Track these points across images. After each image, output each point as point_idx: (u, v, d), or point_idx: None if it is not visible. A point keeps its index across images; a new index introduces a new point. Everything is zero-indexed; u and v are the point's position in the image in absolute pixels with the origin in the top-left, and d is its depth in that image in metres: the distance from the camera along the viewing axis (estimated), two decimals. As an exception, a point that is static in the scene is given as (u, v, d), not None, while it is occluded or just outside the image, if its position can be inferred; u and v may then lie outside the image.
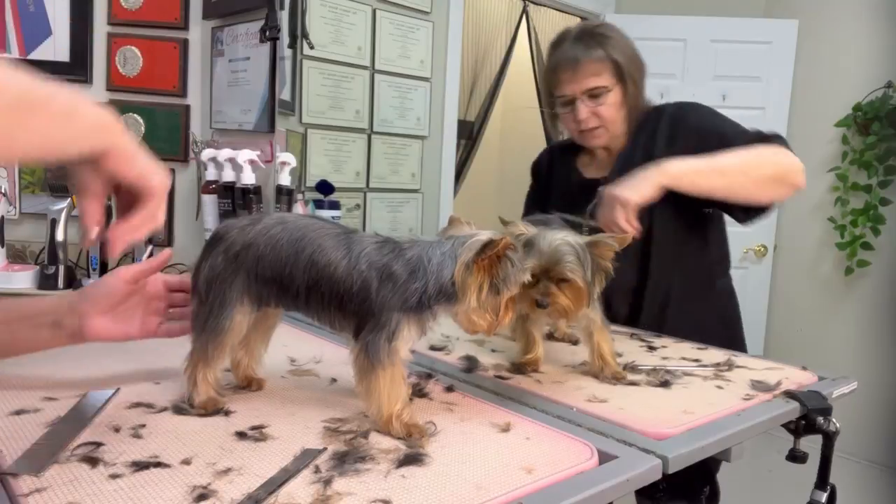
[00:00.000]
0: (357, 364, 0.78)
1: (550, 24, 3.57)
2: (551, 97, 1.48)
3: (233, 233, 0.82)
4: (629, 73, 1.42)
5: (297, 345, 1.13)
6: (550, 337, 1.24)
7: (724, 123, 1.39)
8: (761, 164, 1.29)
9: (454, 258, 0.76)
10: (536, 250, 0.93)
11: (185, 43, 2.12)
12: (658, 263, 1.40)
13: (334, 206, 1.98)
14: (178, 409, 0.82)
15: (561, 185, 1.59)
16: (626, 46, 1.44)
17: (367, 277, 0.76)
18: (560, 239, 0.94)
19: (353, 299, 0.77)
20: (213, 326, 0.81)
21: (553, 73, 1.46)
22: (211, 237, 0.84)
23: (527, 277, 0.82)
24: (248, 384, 0.91)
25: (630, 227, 1.17)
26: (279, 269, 0.79)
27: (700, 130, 1.37)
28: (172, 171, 2.14)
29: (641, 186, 1.20)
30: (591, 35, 1.42)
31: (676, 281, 1.42)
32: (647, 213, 1.24)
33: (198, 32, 2.13)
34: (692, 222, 1.43)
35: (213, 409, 0.82)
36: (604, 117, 1.43)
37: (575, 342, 1.22)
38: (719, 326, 1.46)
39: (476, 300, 0.76)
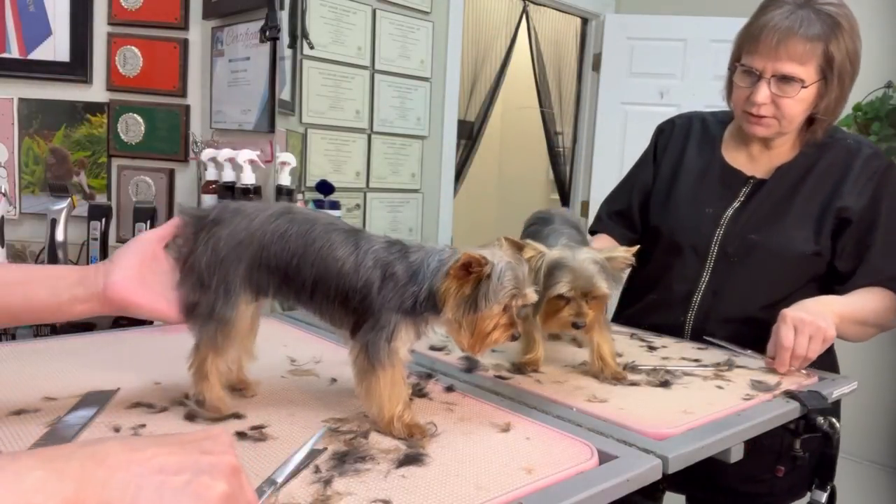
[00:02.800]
0: (357, 365, 0.78)
1: (550, 24, 3.57)
2: (737, 60, 1.27)
3: (237, 219, 0.79)
4: (839, 75, 1.20)
5: (297, 345, 1.13)
6: (551, 337, 1.24)
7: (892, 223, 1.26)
8: (887, 321, 1.26)
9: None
10: (569, 272, 0.93)
11: (185, 43, 2.12)
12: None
13: (334, 206, 1.98)
14: (190, 416, 0.79)
15: (696, 163, 1.40)
16: (851, 41, 1.20)
17: (372, 275, 0.76)
18: (587, 257, 0.95)
19: (356, 295, 0.77)
20: (221, 314, 0.77)
21: (752, 37, 1.23)
22: (212, 217, 0.79)
23: (533, 299, 0.80)
24: (242, 388, 0.88)
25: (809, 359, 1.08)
26: (286, 260, 0.78)
27: (882, 220, 1.25)
28: (172, 171, 2.15)
29: (828, 323, 1.08)
30: (817, 10, 1.18)
31: None
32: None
33: (198, 32, 2.13)
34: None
35: (224, 416, 0.79)
36: (784, 111, 1.22)
37: (580, 344, 1.21)
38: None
39: (451, 312, 0.75)
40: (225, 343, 0.78)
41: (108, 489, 0.41)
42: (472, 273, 0.74)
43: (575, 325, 0.94)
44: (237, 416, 0.80)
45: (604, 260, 0.95)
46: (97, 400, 0.83)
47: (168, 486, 0.42)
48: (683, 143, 1.44)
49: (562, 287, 0.93)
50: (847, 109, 3.09)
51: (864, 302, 1.22)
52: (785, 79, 1.19)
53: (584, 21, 3.58)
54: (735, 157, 1.37)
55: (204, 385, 0.79)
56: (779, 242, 1.26)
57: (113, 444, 0.44)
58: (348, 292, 0.77)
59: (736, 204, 1.32)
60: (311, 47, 2.12)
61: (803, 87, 1.19)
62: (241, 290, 0.78)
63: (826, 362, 1.24)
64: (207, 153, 1.94)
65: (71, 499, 0.39)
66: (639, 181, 1.48)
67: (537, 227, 1.10)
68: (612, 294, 1.01)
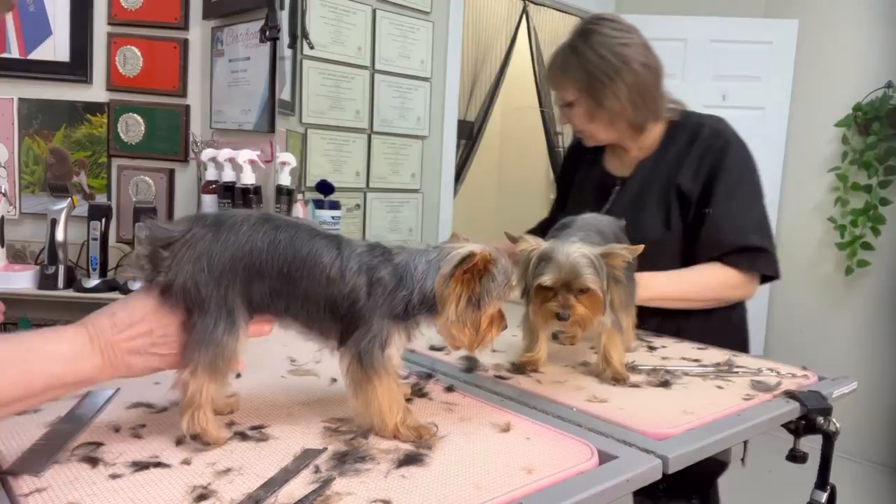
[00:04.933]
0: (351, 375, 0.76)
1: (550, 24, 3.57)
2: None
3: (221, 232, 0.73)
4: (595, 87, 1.33)
5: (297, 345, 1.13)
6: (555, 337, 1.24)
7: (739, 203, 1.33)
8: (717, 298, 1.34)
9: (438, 268, 0.75)
10: (555, 264, 0.94)
11: (185, 43, 2.12)
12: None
13: (334, 206, 1.98)
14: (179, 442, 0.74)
15: (585, 175, 1.54)
16: (597, 55, 1.32)
17: (358, 280, 0.74)
18: (577, 251, 0.94)
19: (344, 302, 0.75)
20: (224, 337, 0.71)
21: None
22: (189, 233, 0.72)
23: (515, 294, 0.81)
24: (228, 410, 0.83)
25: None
26: (277, 269, 0.74)
27: (716, 195, 1.32)
28: (172, 171, 2.15)
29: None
30: (569, 44, 1.37)
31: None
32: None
33: (198, 32, 2.13)
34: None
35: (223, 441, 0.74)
36: (576, 126, 1.42)
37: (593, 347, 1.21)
38: (728, 329, 1.42)
39: (454, 313, 0.75)
40: (226, 367, 0.73)
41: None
42: (481, 271, 0.74)
43: (559, 317, 0.94)
44: (237, 416, 0.80)
45: (595, 255, 0.95)
46: (97, 400, 0.83)
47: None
48: (579, 155, 1.57)
49: (545, 278, 0.93)
50: (847, 109, 3.10)
51: (688, 283, 1.30)
52: (564, 103, 1.40)
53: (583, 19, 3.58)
54: (611, 162, 1.50)
55: (200, 416, 0.72)
56: (636, 235, 1.26)
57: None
58: (336, 299, 0.75)
59: (607, 206, 1.42)
60: (311, 47, 2.13)
61: (574, 105, 1.37)
62: (240, 308, 0.73)
63: (736, 341, 1.35)
64: (207, 153, 1.94)
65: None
66: (558, 199, 1.66)
67: (556, 233, 1.10)
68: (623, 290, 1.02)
